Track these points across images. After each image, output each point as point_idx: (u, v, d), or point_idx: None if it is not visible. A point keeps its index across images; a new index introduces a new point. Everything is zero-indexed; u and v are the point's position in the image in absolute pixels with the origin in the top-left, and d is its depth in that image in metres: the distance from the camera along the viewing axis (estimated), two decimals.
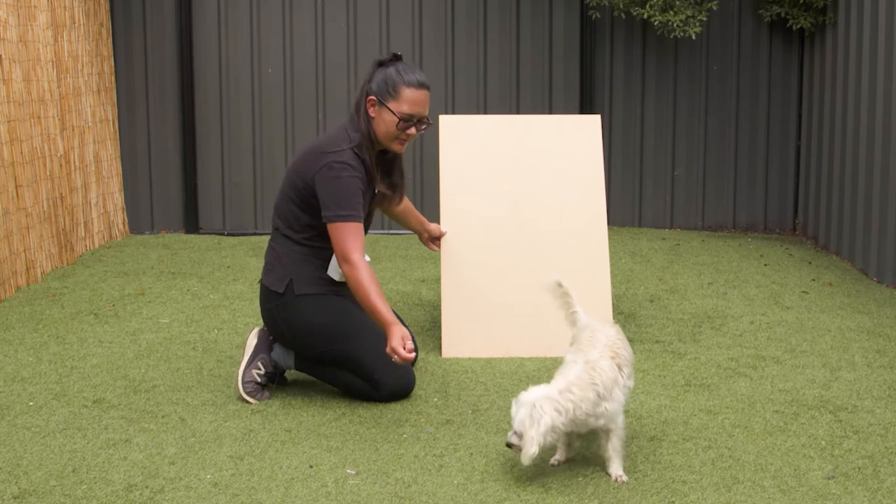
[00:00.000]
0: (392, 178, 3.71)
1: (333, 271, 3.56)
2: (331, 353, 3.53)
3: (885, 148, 5.38)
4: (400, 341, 3.21)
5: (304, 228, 3.54)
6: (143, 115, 6.70)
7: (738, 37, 6.79)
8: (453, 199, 4.27)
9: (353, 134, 3.51)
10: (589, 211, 4.29)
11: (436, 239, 4.20)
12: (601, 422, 2.90)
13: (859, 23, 5.77)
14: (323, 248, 3.54)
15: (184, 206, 6.76)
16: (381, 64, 3.55)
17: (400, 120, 3.49)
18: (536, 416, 2.79)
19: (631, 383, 3.05)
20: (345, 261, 3.38)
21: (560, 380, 2.89)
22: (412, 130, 3.53)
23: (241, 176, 6.78)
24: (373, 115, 3.52)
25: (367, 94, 3.52)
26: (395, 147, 3.56)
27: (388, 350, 3.24)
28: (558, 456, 3.04)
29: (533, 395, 2.82)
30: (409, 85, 3.49)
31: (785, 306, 4.86)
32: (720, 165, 6.90)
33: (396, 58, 3.56)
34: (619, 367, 2.97)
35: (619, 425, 2.93)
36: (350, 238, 3.38)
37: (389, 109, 3.48)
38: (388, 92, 3.49)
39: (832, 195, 6.19)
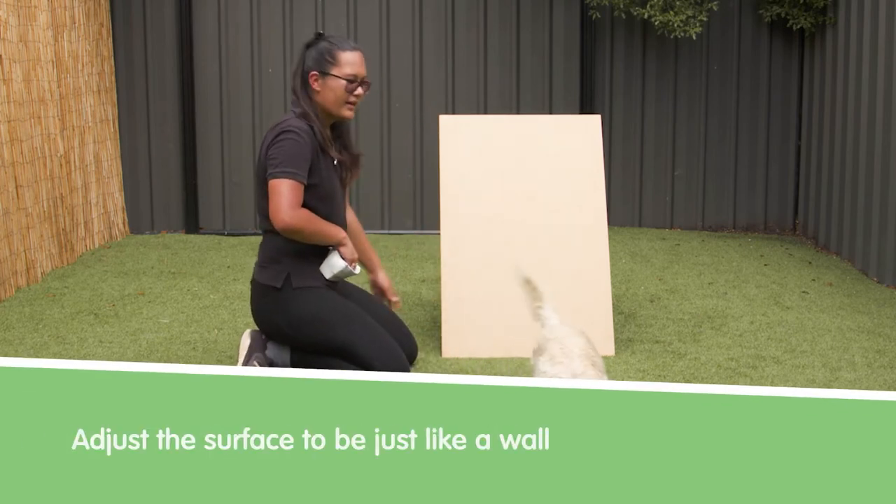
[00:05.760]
0: (350, 152, 3.74)
1: (326, 269, 3.57)
2: (328, 341, 3.55)
3: (885, 148, 5.39)
4: (351, 252, 3.56)
5: None
6: (143, 115, 6.70)
7: (738, 37, 6.80)
8: (453, 199, 4.27)
9: (297, 110, 3.58)
10: (589, 211, 4.29)
11: (381, 293, 3.93)
12: None
13: (859, 23, 5.77)
14: None
15: (184, 206, 6.76)
16: (308, 46, 3.63)
17: (347, 81, 3.57)
18: None
19: None
20: (276, 217, 3.40)
21: None
22: (359, 91, 3.61)
23: (241, 176, 6.78)
24: (318, 88, 3.59)
25: (306, 74, 3.59)
26: (346, 112, 3.61)
27: (350, 258, 3.53)
28: None
29: None
30: (344, 49, 3.59)
31: (785, 306, 4.86)
32: (720, 165, 6.90)
33: (320, 36, 3.65)
34: (600, 375, 2.96)
35: None
36: (286, 193, 3.41)
37: (334, 76, 3.57)
38: (327, 61, 3.58)
39: (832, 195, 6.19)
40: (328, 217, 3.56)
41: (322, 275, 3.59)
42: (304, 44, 3.65)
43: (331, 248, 3.58)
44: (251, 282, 3.68)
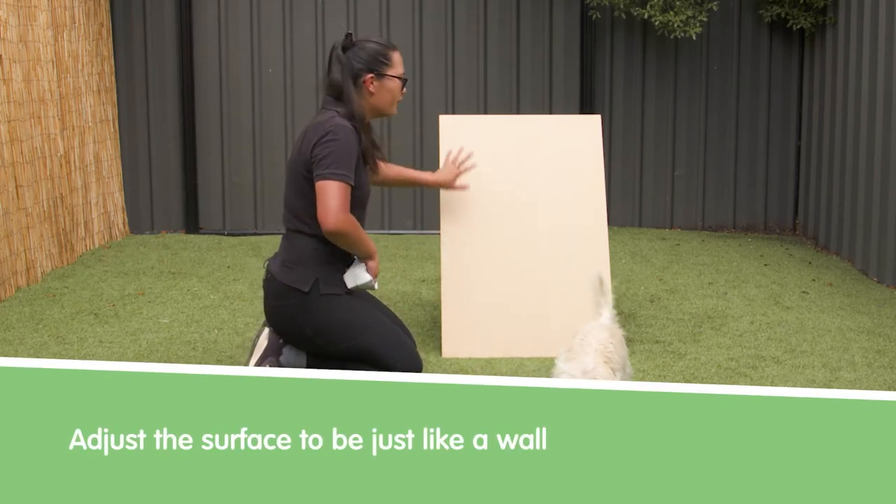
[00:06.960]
0: (377, 148, 3.77)
1: (350, 278, 3.56)
2: (350, 348, 3.53)
3: (885, 148, 5.38)
4: (376, 267, 3.64)
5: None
6: (143, 115, 6.70)
7: (738, 37, 6.79)
8: (453, 199, 4.27)
9: (342, 111, 3.56)
10: (589, 211, 4.29)
11: (451, 181, 4.22)
12: None
13: (859, 23, 5.77)
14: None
15: (184, 206, 6.76)
16: (345, 48, 3.61)
17: (402, 81, 3.66)
18: None
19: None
20: (325, 219, 3.39)
21: None
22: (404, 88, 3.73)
23: (241, 176, 6.78)
24: (374, 90, 3.61)
25: (359, 76, 3.58)
26: (393, 110, 3.70)
27: (374, 273, 3.60)
28: None
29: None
30: (393, 49, 3.66)
31: (785, 306, 4.86)
32: (720, 165, 6.90)
33: (349, 36, 3.65)
34: (613, 371, 2.96)
35: None
36: (337, 195, 3.40)
37: (390, 76, 3.62)
38: (382, 62, 3.61)
39: (832, 195, 6.19)
40: (360, 221, 3.56)
41: (345, 283, 3.58)
42: (339, 46, 3.61)
43: (356, 258, 3.57)
44: (267, 280, 3.59)
